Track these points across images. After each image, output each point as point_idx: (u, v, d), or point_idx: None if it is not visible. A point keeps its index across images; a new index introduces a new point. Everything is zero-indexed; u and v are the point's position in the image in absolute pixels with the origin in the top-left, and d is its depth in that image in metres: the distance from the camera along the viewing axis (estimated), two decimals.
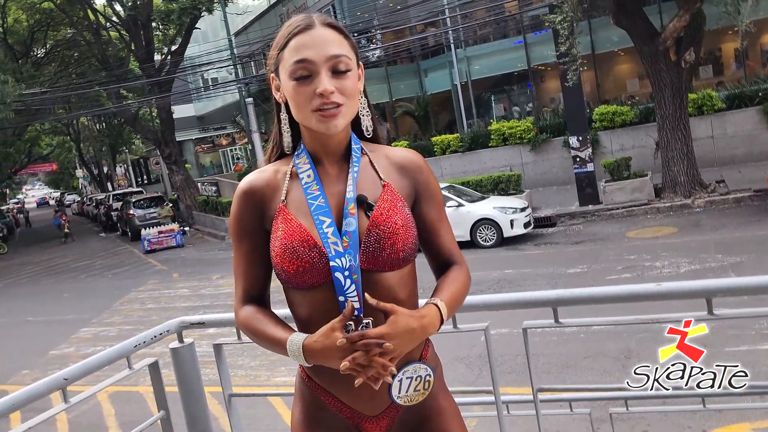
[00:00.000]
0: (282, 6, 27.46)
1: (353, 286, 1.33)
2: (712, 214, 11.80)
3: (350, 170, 1.40)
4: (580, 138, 13.97)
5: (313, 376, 1.44)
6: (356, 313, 1.32)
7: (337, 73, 1.33)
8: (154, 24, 24.18)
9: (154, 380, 2.13)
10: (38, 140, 41.03)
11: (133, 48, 24.98)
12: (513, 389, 5.09)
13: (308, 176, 1.39)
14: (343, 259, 1.32)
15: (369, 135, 1.47)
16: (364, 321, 1.32)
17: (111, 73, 25.36)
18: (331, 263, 1.32)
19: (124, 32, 25.65)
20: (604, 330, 6.60)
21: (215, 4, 22.62)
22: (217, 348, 2.21)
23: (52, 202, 65.32)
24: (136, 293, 13.58)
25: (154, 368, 2.12)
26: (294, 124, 1.45)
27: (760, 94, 14.99)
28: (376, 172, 1.42)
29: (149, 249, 19.92)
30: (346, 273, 1.32)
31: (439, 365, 1.49)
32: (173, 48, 25.61)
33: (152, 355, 2.23)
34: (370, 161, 1.44)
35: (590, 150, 14.13)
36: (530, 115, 20.50)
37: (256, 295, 1.46)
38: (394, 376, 1.35)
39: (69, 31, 27.54)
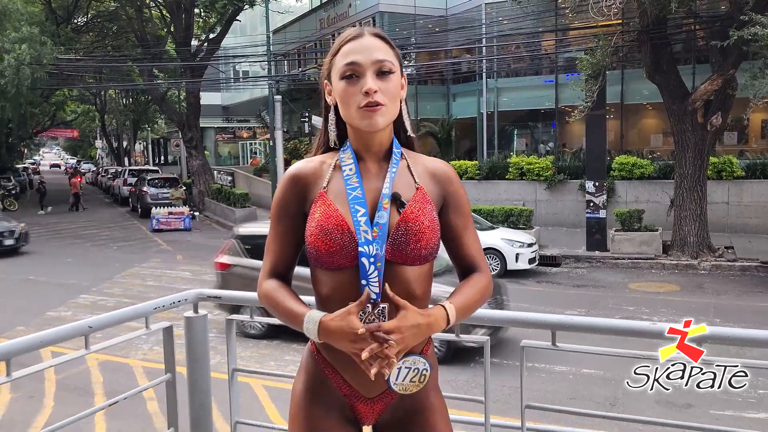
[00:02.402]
0: (324, 11, 27.80)
1: (376, 273, 1.46)
2: (717, 278, 11.83)
3: (389, 169, 1.55)
4: (597, 183, 14.07)
5: (322, 350, 1.58)
6: (375, 297, 1.45)
7: (381, 75, 1.49)
8: (196, 10, 24.56)
9: (166, 343, 2.25)
10: (64, 105, 41.49)
11: (172, 30, 25.37)
12: (495, 417, 5.15)
13: (350, 169, 1.55)
14: (370, 246, 1.46)
15: (408, 137, 1.62)
16: (381, 305, 1.46)
17: (146, 50, 25.71)
18: (360, 249, 1.46)
19: (166, 13, 26.08)
20: (593, 375, 6.66)
21: None
22: (229, 323, 2.32)
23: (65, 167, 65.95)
24: (139, 269, 13.70)
25: (168, 332, 2.23)
26: (341, 125, 1.61)
27: None
28: (412, 176, 1.57)
29: (157, 228, 20.11)
30: (372, 260, 1.46)
31: (435, 366, 1.62)
32: (211, 36, 25.98)
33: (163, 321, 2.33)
34: (408, 165, 1.59)
35: (605, 197, 14.22)
36: (551, 154, 20.64)
37: (281, 272, 1.61)
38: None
39: (113, 4, 27.99)
